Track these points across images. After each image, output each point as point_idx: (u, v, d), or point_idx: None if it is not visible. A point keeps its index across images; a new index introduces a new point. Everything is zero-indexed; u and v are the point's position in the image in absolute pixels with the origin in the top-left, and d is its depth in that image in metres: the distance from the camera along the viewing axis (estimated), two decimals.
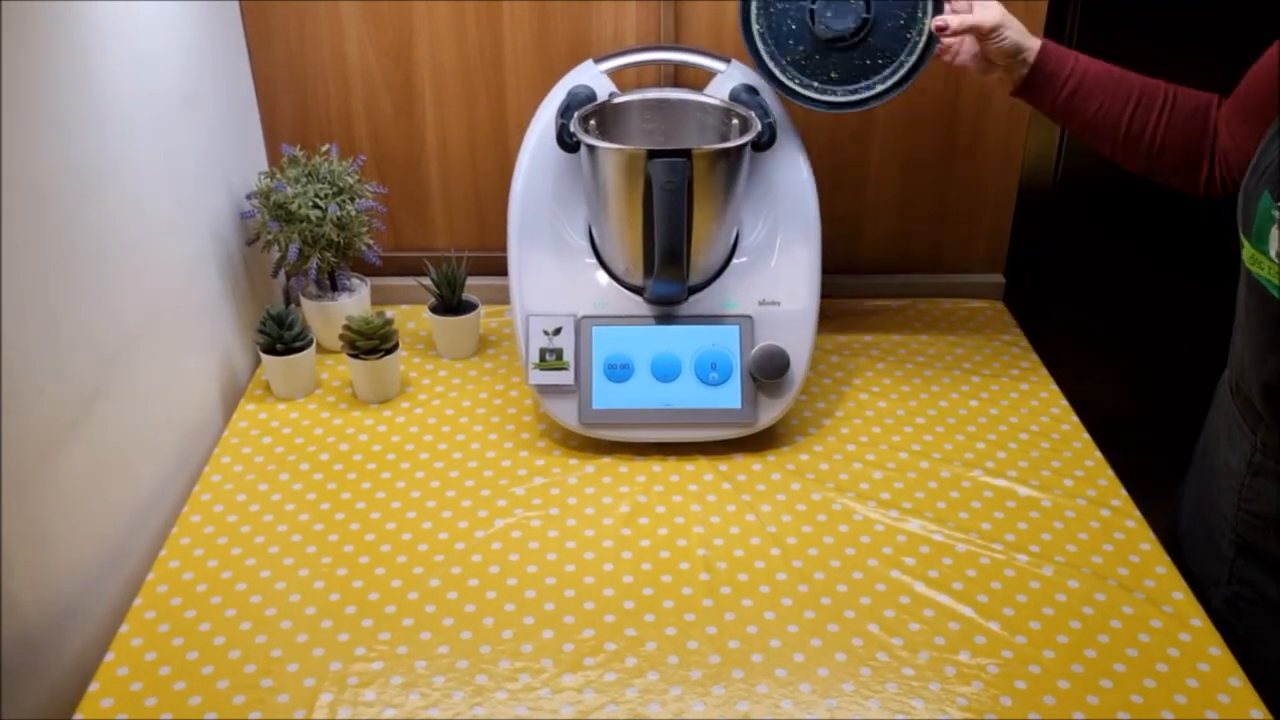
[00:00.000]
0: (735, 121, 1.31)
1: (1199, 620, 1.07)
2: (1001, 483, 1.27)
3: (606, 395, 1.30)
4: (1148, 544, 1.18)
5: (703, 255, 1.31)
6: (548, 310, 1.32)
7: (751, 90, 1.32)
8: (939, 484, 1.27)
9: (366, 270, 1.53)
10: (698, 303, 1.33)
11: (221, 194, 1.43)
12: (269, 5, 1.50)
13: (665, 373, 1.31)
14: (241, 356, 1.47)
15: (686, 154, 1.20)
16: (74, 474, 1.05)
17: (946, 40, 1.22)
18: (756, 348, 1.30)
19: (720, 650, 1.05)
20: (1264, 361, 1.06)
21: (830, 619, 1.08)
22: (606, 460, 1.31)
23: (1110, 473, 1.29)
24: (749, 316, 1.32)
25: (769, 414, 1.31)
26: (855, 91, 1.27)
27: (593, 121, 1.30)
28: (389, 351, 1.40)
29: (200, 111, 1.36)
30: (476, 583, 1.13)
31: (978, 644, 1.05)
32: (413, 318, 1.61)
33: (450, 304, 1.50)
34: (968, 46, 1.22)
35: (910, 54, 1.24)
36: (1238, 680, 1.01)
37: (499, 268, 1.40)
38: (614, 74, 1.37)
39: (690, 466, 1.30)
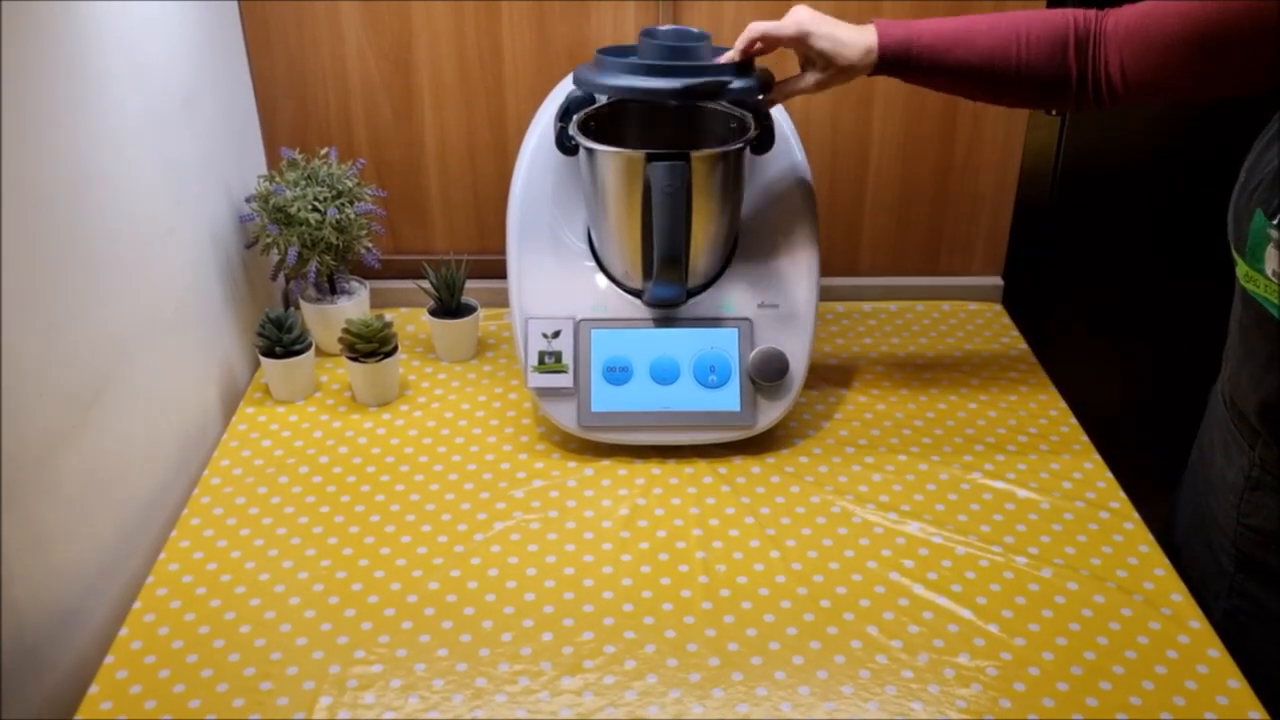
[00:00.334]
0: (734, 124, 1.31)
1: (1198, 622, 1.07)
2: (1001, 485, 1.27)
3: (606, 398, 1.30)
4: (1146, 546, 1.18)
5: (702, 258, 1.31)
6: (547, 313, 1.32)
7: None
8: (938, 486, 1.27)
9: (366, 273, 1.53)
10: (697, 305, 1.33)
11: (220, 197, 1.43)
12: (268, 8, 1.50)
13: (664, 375, 1.31)
14: (240, 359, 1.47)
15: (685, 157, 1.20)
16: (74, 477, 1.05)
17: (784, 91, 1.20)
18: (755, 350, 1.30)
19: (719, 653, 1.05)
20: (1261, 380, 1.05)
21: (829, 621, 1.08)
22: (606, 463, 1.31)
23: (1109, 475, 1.29)
24: (748, 319, 1.32)
25: (768, 417, 1.31)
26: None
27: (592, 124, 1.30)
28: (388, 354, 1.40)
29: (199, 114, 1.36)
30: (476, 585, 1.13)
31: (977, 646, 1.05)
32: (412, 321, 1.61)
33: (449, 307, 1.50)
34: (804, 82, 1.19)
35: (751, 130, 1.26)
36: (1236, 682, 1.01)
37: (498, 271, 1.40)
38: None
39: (689, 469, 1.30)
